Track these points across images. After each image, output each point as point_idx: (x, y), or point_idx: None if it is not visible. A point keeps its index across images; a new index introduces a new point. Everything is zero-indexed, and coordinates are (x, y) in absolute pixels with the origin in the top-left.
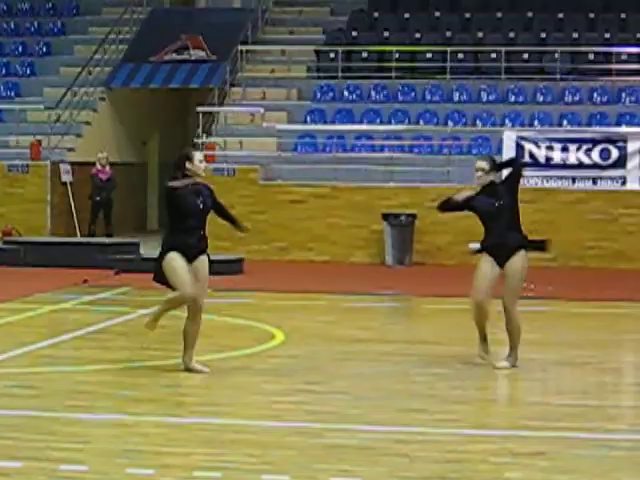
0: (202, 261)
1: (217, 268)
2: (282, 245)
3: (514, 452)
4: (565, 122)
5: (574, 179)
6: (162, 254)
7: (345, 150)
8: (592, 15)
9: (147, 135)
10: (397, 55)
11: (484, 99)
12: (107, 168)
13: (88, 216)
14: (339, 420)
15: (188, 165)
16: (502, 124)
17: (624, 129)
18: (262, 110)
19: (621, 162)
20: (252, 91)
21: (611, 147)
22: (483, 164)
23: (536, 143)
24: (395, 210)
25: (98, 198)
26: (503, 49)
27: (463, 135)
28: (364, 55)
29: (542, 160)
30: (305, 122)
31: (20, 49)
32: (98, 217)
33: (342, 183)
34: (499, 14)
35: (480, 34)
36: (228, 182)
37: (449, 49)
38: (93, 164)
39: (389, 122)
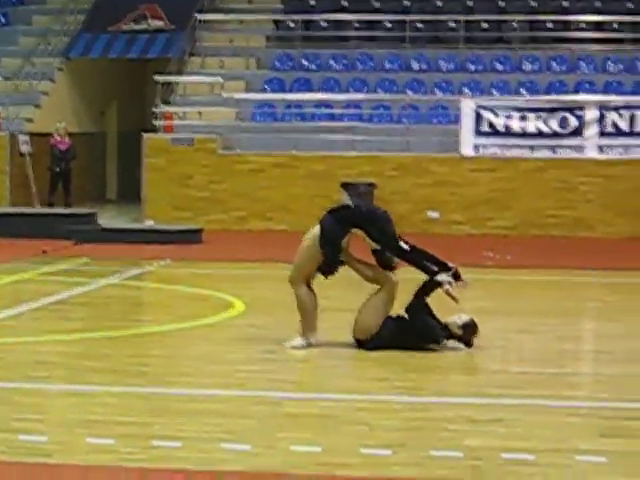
0: None
1: (177, 238)
2: (241, 215)
3: (473, 419)
4: (523, 91)
5: (533, 148)
6: None
7: (304, 119)
8: None
9: (105, 105)
10: (356, 24)
11: (443, 68)
12: (66, 138)
13: (47, 187)
14: (300, 389)
15: None
16: (461, 93)
17: (582, 97)
18: (221, 79)
19: (579, 130)
20: (210, 60)
21: (569, 115)
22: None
23: (495, 112)
24: (354, 179)
25: (57, 169)
26: (462, 18)
27: (422, 104)
28: (323, 24)
29: (501, 129)
30: (264, 91)
31: None
32: (57, 187)
33: (301, 152)
34: None
35: (439, 3)
36: (187, 152)
37: (408, 18)
38: (52, 135)
39: (348, 91)
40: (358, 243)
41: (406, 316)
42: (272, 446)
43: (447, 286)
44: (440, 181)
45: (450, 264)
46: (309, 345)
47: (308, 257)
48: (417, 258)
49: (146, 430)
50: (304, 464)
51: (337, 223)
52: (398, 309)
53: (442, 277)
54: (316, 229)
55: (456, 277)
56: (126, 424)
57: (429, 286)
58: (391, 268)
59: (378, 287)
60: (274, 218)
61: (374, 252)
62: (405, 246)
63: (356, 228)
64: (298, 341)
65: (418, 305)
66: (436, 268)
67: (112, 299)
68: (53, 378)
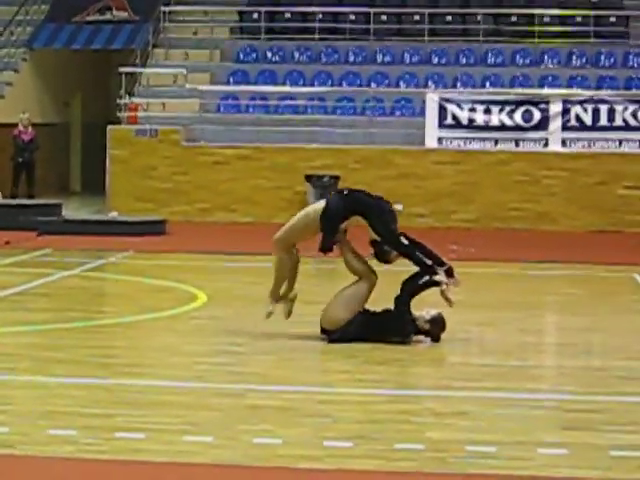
0: None
1: (140, 230)
2: (205, 206)
3: (436, 412)
4: (488, 84)
5: (497, 141)
6: None
7: (268, 111)
8: None
9: (69, 96)
10: (320, 16)
11: (407, 61)
12: (29, 129)
13: (10, 177)
14: (262, 381)
15: None
16: (425, 86)
17: (546, 91)
18: (185, 71)
19: (543, 124)
20: (175, 52)
21: (533, 109)
22: None
23: (459, 105)
24: (318, 171)
25: (20, 159)
26: (426, 11)
27: (386, 97)
28: (287, 16)
29: (465, 122)
30: (228, 83)
31: None
32: (20, 178)
33: (265, 144)
34: None
35: None
36: (150, 143)
37: (372, 10)
38: (15, 125)
39: (312, 83)
40: (358, 230)
41: (375, 310)
42: (234, 438)
43: (444, 287)
44: (404, 173)
45: (445, 260)
46: (291, 301)
47: (302, 225)
48: (414, 253)
49: (109, 422)
50: (266, 456)
51: (343, 205)
52: (373, 302)
53: (440, 277)
54: (321, 203)
55: (449, 274)
56: (89, 416)
57: (422, 282)
58: (386, 262)
59: (356, 279)
60: (238, 210)
61: (373, 242)
62: (405, 241)
63: (359, 216)
64: (269, 306)
65: (405, 297)
66: (430, 262)
67: (75, 290)
68: (15, 369)
